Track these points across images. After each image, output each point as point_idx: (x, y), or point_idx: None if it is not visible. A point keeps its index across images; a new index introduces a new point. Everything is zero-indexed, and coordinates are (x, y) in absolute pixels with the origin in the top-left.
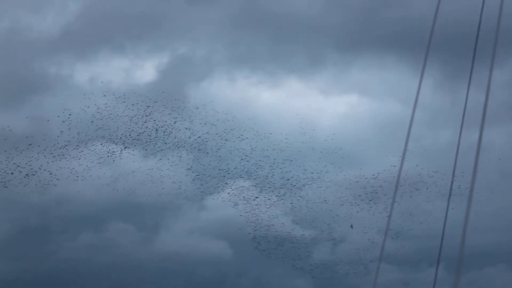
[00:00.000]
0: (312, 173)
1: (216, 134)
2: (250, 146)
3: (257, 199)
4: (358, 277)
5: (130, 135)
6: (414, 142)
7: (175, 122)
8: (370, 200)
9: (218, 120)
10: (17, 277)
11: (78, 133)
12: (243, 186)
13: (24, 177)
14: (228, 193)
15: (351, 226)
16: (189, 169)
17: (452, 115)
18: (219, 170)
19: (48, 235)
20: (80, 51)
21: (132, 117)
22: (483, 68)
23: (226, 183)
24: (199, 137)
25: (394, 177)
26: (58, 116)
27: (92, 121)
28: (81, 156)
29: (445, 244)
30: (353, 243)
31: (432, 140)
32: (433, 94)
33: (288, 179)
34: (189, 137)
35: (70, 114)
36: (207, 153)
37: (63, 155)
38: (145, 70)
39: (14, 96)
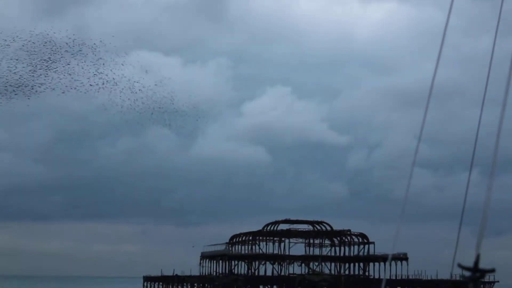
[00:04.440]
0: (349, 79)
1: (255, 42)
2: (289, 53)
3: (294, 105)
4: (393, 182)
5: (170, 43)
6: (452, 50)
7: (215, 31)
8: (406, 106)
9: (257, 28)
10: (58, 181)
11: (119, 42)
12: (282, 93)
13: (66, 85)
14: (267, 99)
15: None
16: (228, 76)
17: (490, 23)
18: (258, 77)
19: (88, 141)
20: None
21: (172, 27)
22: None
23: (265, 89)
24: (239, 45)
25: (430, 83)
26: (100, 26)
27: (132, 30)
28: (121, 64)
29: (479, 148)
30: (388, 149)
31: (469, 48)
32: (472, 2)
33: (325, 86)
34: (229, 46)
35: (111, 24)
36: (246, 61)
37: (103, 63)
38: None
39: (58, 5)
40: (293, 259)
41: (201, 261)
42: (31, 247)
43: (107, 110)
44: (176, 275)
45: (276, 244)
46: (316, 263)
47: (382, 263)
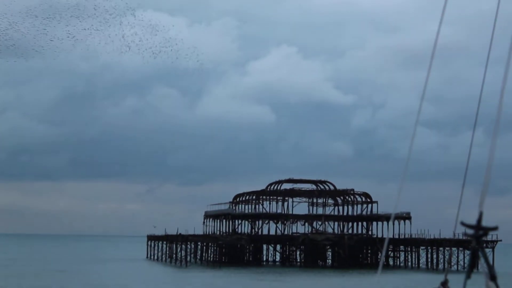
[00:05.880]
0: (354, 39)
1: (261, 2)
2: (294, 13)
3: (299, 64)
4: (396, 141)
5: (175, 3)
6: (456, 9)
7: None
8: (410, 66)
9: None
10: (63, 141)
11: (125, 2)
12: (287, 52)
13: (72, 44)
14: (272, 59)
15: None
16: (233, 36)
17: None
18: (264, 36)
19: (93, 101)
20: None
21: None
22: None
23: (270, 49)
24: (244, 5)
25: (434, 43)
26: None
27: None
28: (126, 24)
29: (483, 108)
30: (392, 108)
31: (474, 7)
32: None
33: (330, 45)
34: (234, 5)
35: None
36: (252, 20)
37: (109, 24)
38: None
39: None
40: (296, 218)
41: (205, 220)
42: (37, 206)
43: (112, 70)
44: (180, 234)
45: (280, 203)
46: (319, 222)
47: (385, 222)
